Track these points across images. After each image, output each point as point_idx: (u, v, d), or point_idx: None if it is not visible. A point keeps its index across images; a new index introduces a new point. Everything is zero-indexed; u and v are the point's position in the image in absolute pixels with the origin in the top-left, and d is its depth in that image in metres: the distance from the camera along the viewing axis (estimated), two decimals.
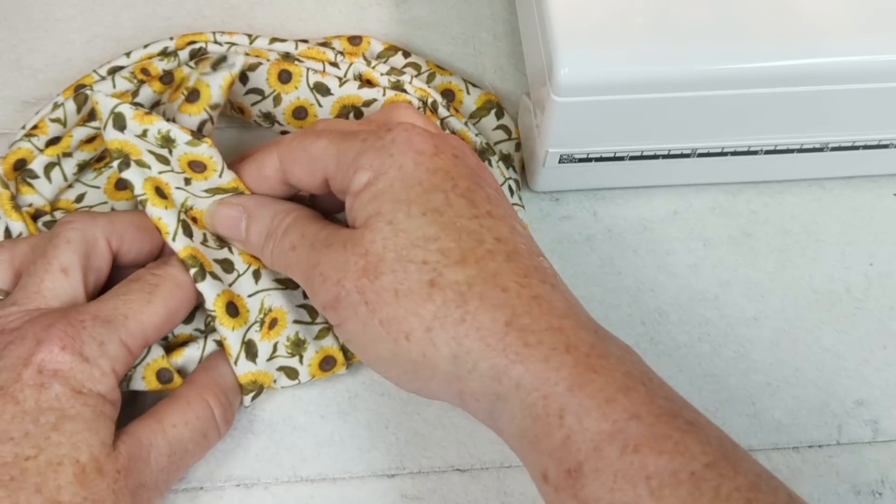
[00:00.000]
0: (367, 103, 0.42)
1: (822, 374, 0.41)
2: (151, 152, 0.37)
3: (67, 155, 0.41)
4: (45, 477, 0.31)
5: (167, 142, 0.37)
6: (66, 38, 0.46)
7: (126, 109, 0.37)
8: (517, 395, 0.31)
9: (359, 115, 0.42)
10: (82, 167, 0.41)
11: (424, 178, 0.33)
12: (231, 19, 0.47)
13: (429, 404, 0.40)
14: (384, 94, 0.42)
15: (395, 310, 0.32)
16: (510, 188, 0.42)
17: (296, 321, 0.38)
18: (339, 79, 0.42)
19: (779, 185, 0.45)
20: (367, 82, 0.43)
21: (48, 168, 0.40)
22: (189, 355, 0.38)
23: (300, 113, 0.42)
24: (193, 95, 0.38)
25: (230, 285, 0.38)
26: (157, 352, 0.37)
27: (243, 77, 0.41)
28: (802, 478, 0.39)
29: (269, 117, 0.42)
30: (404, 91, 0.42)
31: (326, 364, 0.39)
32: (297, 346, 0.38)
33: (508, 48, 0.47)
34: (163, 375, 0.37)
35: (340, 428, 0.39)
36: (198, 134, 0.38)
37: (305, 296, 0.39)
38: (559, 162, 0.41)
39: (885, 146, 0.42)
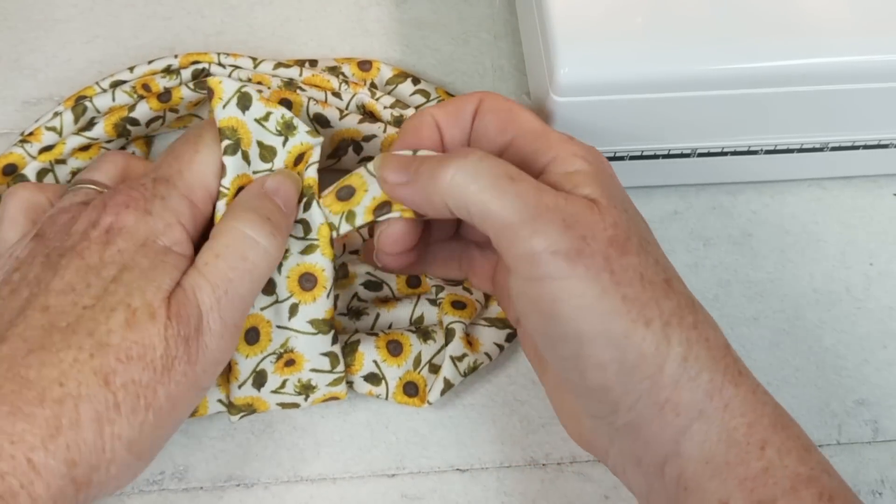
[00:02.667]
0: (367, 138, 0.41)
1: (822, 374, 0.41)
2: (261, 144, 0.36)
3: (61, 162, 0.41)
4: (97, 322, 0.31)
5: (288, 129, 0.36)
6: (66, 38, 0.46)
7: (252, 91, 0.36)
8: (721, 417, 0.31)
9: (357, 149, 0.42)
10: (76, 174, 0.41)
11: (625, 197, 0.34)
12: (231, 19, 0.47)
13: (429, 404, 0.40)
14: (385, 131, 0.41)
15: (641, 293, 0.31)
16: None
17: (313, 369, 0.37)
18: (341, 111, 0.42)
19: (779, 185, 0.45)
20: (369, 114, 0.42)
21: (41, 174, 0.41)
22: None
23: None
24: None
25: (262, 309, 0.36)
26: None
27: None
28: None
29: None
30: None
31: (327, 400, 0.39)
32: (307, 389, 0.37)
33: (508, 48, 0.47)
34: None
35: (340, 428, 0.39)
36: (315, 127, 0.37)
37: (334, 341, 0.37)
38: None
39: (885, 146, 0.42)
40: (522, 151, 0.34)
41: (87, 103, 0.42)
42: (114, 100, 0.42)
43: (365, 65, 0.45)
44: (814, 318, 0.43)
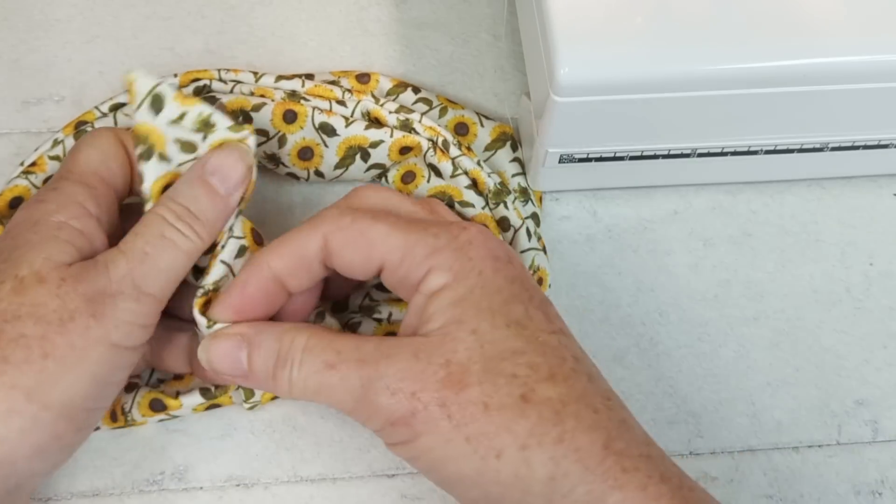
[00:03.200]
0: (374, 144, 0.41)
1: (822, 374, 0.41)
2: (179, 141, 0.36)
3: None
4: None
5: (205, 126, 0.36)
6: (66, 38, 0.46)
7: (167, 90, 0.36)
8: None
9: (365, 155, 0.42)
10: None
11: (504, 287, 0.32)
12: (231, 19, 0.47)
13: None
14: (391, 136, 0.41)
15: (485, 425, 0.30)
16: (528, 230, 0.41)
17: None
18: (346, 118, 0.41)
19: (779, 185, 0.45)
20: (374, 121, 0.42)
21: None
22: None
23: (306, 153, 0.42)
24: None
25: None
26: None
27: (247, 118, 0.41)
28: (802, 478, 0.39)
29: (273, 158, 0.42)
30: (413, 130, 0.41)
31: None
32: None
33: (508, 48, 0.47)
34: (155, 405, 0.38)
35: (340, 428, 0.39)
36: (240, 121, 0.37)
37: None
38: (559, 162, 0.41)
39: (885, 146, 0.42)
40: (393, 280, 0.34)
41: (89, 129, 0.41)
42: (115, 123, 0.41)
43: (363, 77, 0.44)
44: (814, 318, 0.43)
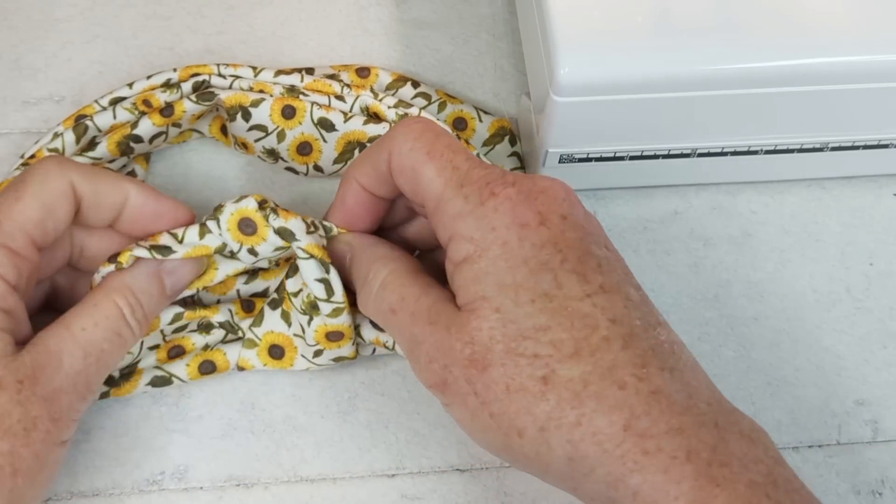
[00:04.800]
0: (373, 139, 0.41)
1: (822, 374, 0.41)
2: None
3: None
4: None
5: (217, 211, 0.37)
6: (66, 38, 0.46)
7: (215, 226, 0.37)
8: None
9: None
10: None
11: (531, 256, 0.31)
12: (231, 19, 0.47)
13: (429, 404, 0.40)
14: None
15: (507, 405, 0.30)
16: None
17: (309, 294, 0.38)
18: (345, 114, 0.41)
19: (779, 185, 0.45)
20: (374, 115, 0.42)
21: None
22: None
23: (304, 149, 0.42)
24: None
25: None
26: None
27: (246, 113, 0.41)
28: (802, 478, 0.39)
29: (272, 153, 0.42)
30: None
31: (337, 360, 0.39)
32: (312, 309, 0.38)
33: (508, 48, 0.47)
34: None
35: (340, 428, 0.39)
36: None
37: (327, 270, 0.37)
38: (559, 162, 0.41)
39: (885, 146, 0.42)
40: (431, 221, 0.34)
41: (88, 122, 0.41)
42: (115, 117, 0.41)
43: (363, 71, 0.45)
44: (814, 318, 0.43)
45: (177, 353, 0.39)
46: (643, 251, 0.43)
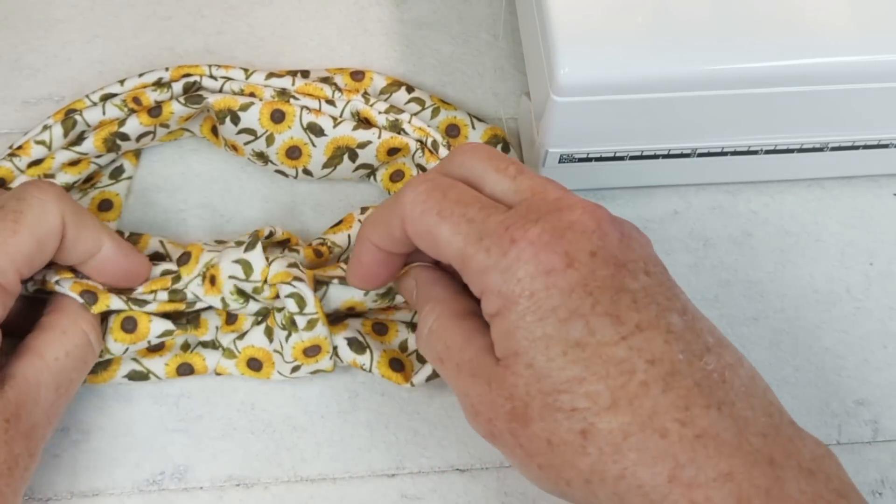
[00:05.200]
0: (362, 145, 0.41)
1: (822, 374, 0.41)
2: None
3: (49, 176, 0.41)
4: None
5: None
6: (66, 38, 0.46)
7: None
8: None
9: (353, 156, 0.42)
10: (67, 189, 0.41)
11: (559, 304, 0.30)
12: (231, 19, 0.47)
13: (429, 404, 0.40)
14: (379, 137, 0.41)
15: (551, 458, 0.30)
16: None
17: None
18: (334, 119, 0.41)
19: (779, 185, 0.45)
20: (364, 121, 0.42)
21: None
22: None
23: (294, 152, 0.42)
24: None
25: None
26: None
27: (235, 117, 0.41)
28: None
29: (262, 156, 0.42)
30: (403, 131, 0.41)
31: (315, 373, 0.39)
32: (290, 325, 0.38)
33: (508, 48, 0.47)
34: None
35: (340, 428, 0.39)
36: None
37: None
38: (559, 162, 0.41)
39: (885, 146, 0.42)
40: (464, 278, 0.33)
41: (77, 117, 0.41)
42: (104, 113, 0.41)
43: (358, 75, 0.44)
44: (814, 318, 0.42)
45: (156, 347, 0.39)
46: None
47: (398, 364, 0.39)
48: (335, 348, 0.38)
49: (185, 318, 0.39)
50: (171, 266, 0.38)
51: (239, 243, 0.38)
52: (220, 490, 0.38)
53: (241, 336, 0.39)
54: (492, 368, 0.31)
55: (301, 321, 0.37)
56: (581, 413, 0.29)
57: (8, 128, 0.44)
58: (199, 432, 0.39)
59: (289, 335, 0.37)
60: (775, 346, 0.42)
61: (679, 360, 0.29)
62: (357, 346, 0.38)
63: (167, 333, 0.38)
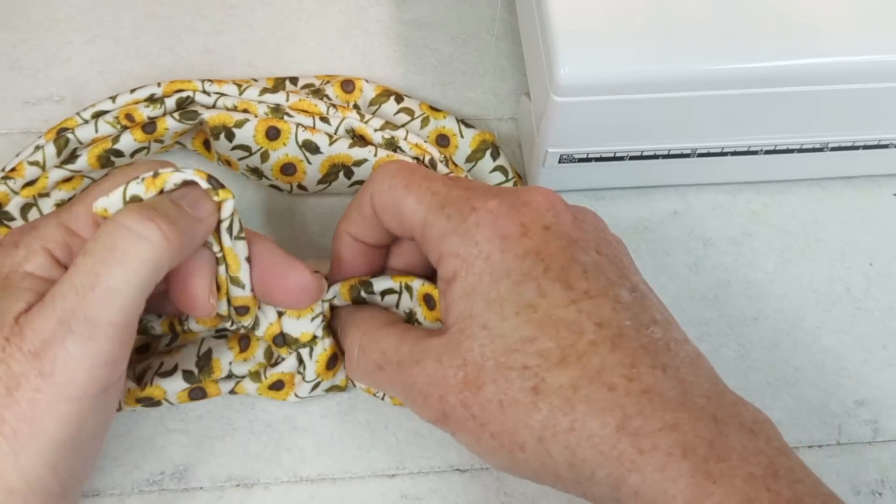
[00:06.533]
0: (358, 163, 0.41)
1: (822, 374, 0.41)
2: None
3: (44, 195, 0.41)
4: None
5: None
6: (66, 38, 0.46)
7: (136, 188, 0.33)
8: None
9: (349, 173, 0.42)
10: (60, 206, 0.41)
11: (513, 267, 0.31)
12: (231, 19, 0.47)
13: None
14: (375, 154, 0.41)
15: (504, 422, 0.30)
16: None
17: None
18: (330, 136, 0.41)
19: (779, 185, 0.45)
20: (359, 138, 0.42)
21: (24, 209, 0.40)
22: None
23: (288, 169, 0.41)
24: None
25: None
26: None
27: (229, 134, 0.40)
28: None
29: (256, 171, 0.42)
30: (399, 149, 0.41)
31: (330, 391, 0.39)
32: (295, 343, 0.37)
33: (508, 48, 0.47)
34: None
35: (340, 428, 0.39)
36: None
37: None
38: (559, 162, 0.41)
39: (885, 146, 0.42)
40: (422, 248, 0.34)
41: (69, 135, 0.41)
42: (96, 131, 0.41)
43: (348, 85, 0.44)
44: (814, 318, 0.43)
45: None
46: (643, 251, 0.43)
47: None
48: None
49: (198, 365, 0.38)
50: None
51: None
52: (220, 490, 0.38)
53: (274, 364, 0.38)
54: (440, 343, 0.32)
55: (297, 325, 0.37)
56: (532, 370, 0.30)
57: (8, 128, 0.44)
58: (199, 432, 0.39)
59: (311, 350, 0.37)
60: (775, 346, 0.42)
61: (626, 325, 0.31)
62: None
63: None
